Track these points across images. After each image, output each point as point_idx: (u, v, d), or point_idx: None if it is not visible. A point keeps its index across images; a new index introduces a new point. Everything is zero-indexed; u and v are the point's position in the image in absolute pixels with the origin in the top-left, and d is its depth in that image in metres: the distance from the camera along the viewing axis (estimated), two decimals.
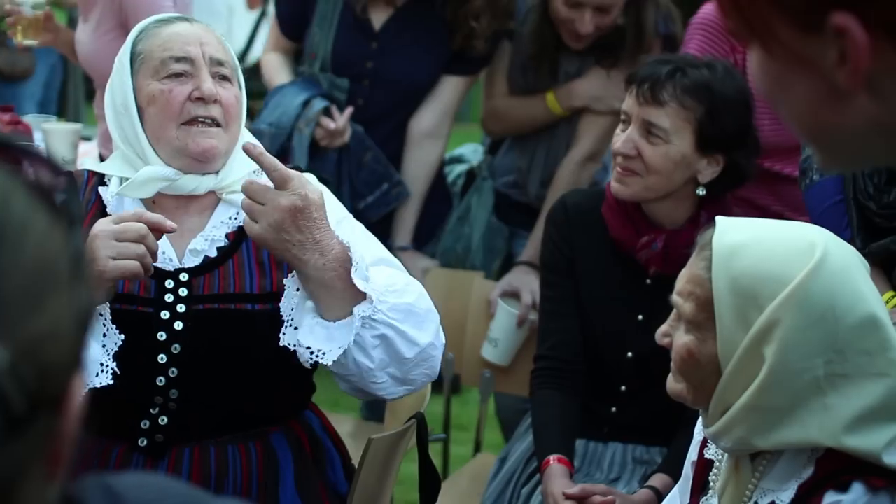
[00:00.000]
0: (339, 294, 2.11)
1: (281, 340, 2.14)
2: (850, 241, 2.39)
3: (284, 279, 2.20)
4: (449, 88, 3.56)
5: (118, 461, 2.22)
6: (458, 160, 3.90)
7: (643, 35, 3.34)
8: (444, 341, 2.26)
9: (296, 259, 2.10)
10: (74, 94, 6.19)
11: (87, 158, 2.39)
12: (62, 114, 5.90)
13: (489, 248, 3.65)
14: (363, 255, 2.15)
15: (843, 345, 1.70)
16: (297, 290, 2.17)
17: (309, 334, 2.12)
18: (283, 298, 2.19)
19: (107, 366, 2.12)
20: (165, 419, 2.20)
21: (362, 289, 2.09)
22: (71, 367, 0.83)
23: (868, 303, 1.72)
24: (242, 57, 5.14)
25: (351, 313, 2.10)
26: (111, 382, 2.10)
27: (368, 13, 3.47)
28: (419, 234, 3.62)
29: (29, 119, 4.02)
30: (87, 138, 4.27)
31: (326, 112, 3.42)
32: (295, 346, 2.13)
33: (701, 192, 2.60)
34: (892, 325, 1.74)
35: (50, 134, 3.70)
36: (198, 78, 2.22)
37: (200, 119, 2.22)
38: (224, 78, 2.26)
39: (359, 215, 3.02)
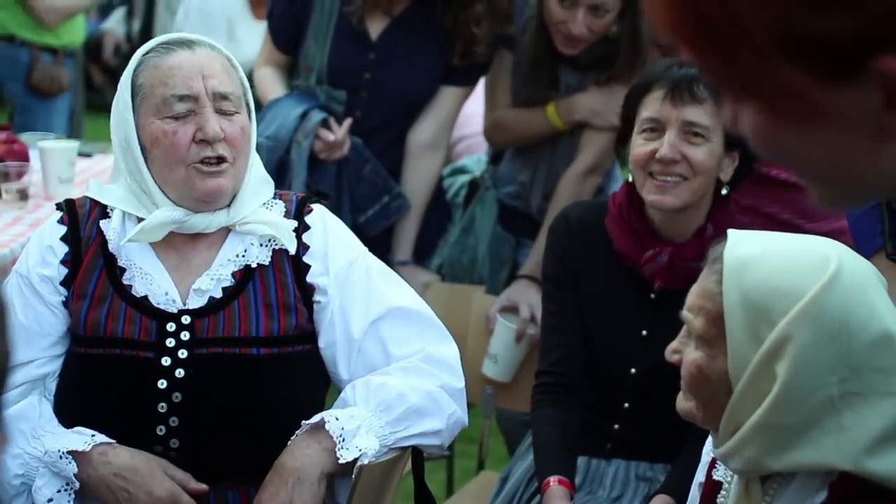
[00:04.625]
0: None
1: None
2: (882, 246, 2.33)
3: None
4: (447, 99, 3.51)
5: None
6: (461, 171, 3.85)
7: (639, 45, 3.26)
8: (460, 385, 2.25)
9: None
10: (77, 109, 6.14)
11: (93, 182, 2.29)
12: (73, 130, 5.82)
13: (495, 258, 3.60)
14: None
15: (857, 362, 1.64)
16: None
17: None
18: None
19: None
20: None
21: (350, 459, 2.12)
22: None
23: (883, 319, 1.66)
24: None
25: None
26: None
27: (365, 23, 3.42)
28: (419, 248, 3.57)
29: (25, 137, 3.96)
30: (88, 155, 4.22)
31: (325, 124, 3.37)
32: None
33: (725, 190, 2.53)
34: None
35: (46, 152, 3.65)
36: (201, 117, 2.14)
37: (207, 159, 2.15)
38: (228, 112, 2.17)
39: (359, 230, 2.98)
